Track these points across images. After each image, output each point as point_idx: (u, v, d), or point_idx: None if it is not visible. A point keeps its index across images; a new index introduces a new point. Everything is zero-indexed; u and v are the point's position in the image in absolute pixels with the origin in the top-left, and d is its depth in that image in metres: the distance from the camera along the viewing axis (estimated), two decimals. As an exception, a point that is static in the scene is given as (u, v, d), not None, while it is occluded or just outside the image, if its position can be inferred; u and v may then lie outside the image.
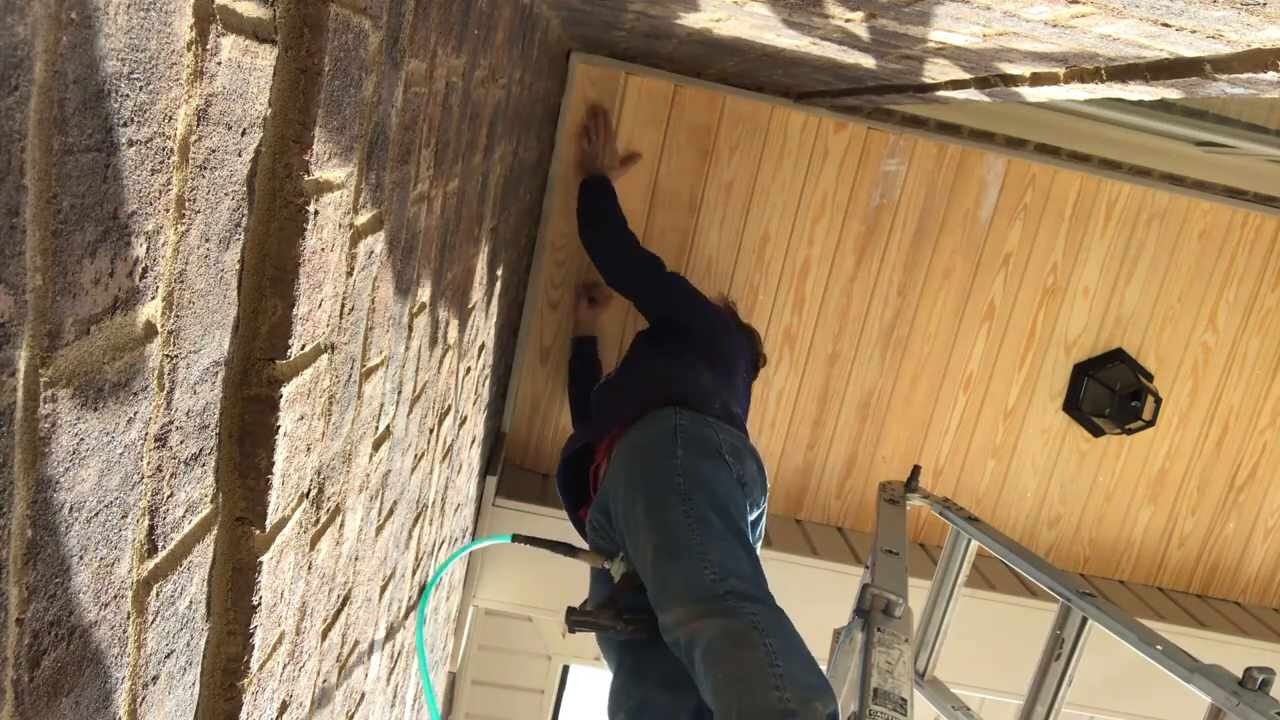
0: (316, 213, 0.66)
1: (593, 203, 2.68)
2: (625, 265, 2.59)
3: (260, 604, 0.69)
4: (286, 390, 0.66)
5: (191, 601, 0.59)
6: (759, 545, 1.87)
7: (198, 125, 0.49)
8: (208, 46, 0.48)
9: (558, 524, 2.79)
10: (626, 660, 1.74)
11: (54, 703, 0.44)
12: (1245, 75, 0.94)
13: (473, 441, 2.24)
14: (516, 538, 1.98)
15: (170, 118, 0.45)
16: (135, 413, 0.47)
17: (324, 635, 0.94)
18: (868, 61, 1.69)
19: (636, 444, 1.90)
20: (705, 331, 2.38)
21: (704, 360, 2.27)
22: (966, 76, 1.58)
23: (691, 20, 1.68)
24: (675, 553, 1.57)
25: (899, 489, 2.28)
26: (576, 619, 1.72)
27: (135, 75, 0.42)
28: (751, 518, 1.83)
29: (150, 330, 0.47)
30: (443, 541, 2.00)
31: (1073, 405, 3.17)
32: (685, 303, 2.47)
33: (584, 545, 2.04)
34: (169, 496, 0.53)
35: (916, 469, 2.31)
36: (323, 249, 0.69)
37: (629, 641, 1.72)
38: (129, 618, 0.50)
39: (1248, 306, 3.15)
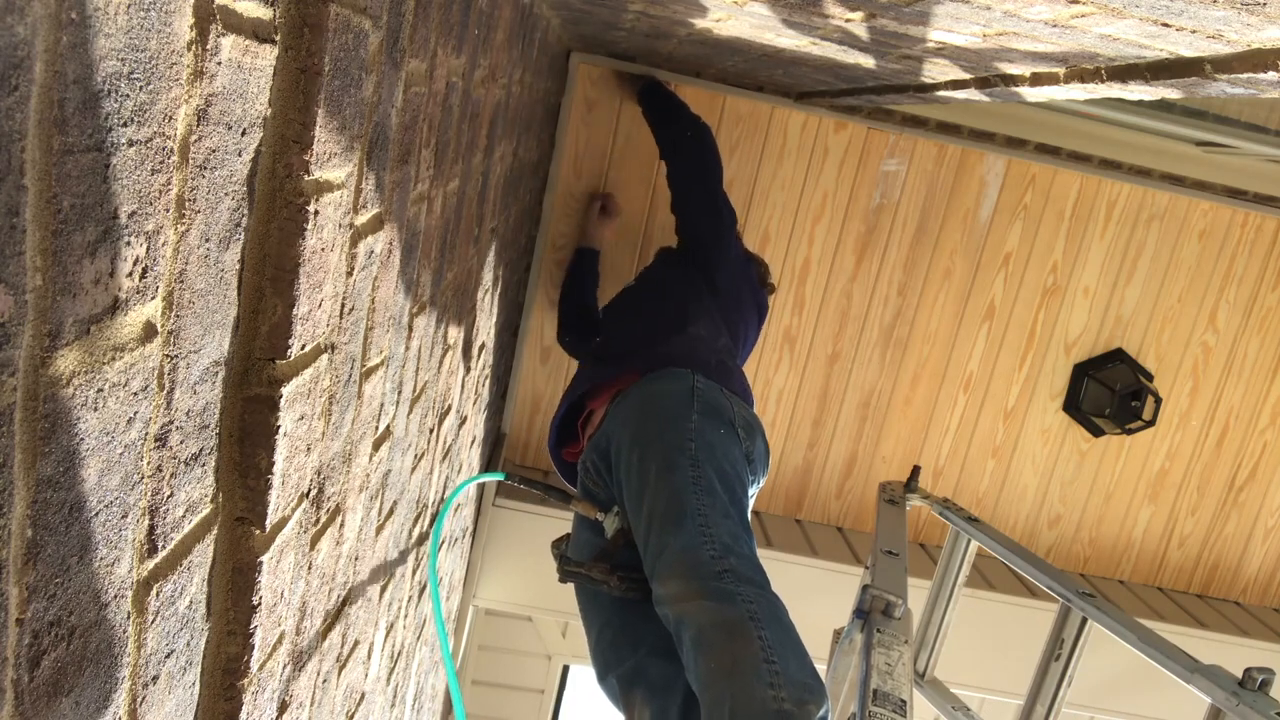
0: (316, 213, 0.66)
1: (664, 114, 2.63)
2: (711, 195, 2.48)
3: (260, 604, 0.69)
4: (286, 390, 0.66)
5: (191, 601, 0.59)
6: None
7: (198, 125, 0.49)
8: (208, 46, 0.48)
9: (560, 523, 2.80)
10: (615, 620, 1.70)
11: (54, 703, 0.44)
12: (1245, 75, 0.94)
13: (473, 441, 2.24)
14: (510, 477, 1.95)
15: (170, 118, 0.45)
16: (135, 413, 0.47)
17: (324, 635, 0.94)
18: (868, 61, 1.69)
19: (649, 396, 1.84)
20: (733, 296, 2.36)
21: (725, 322, 2.25)
22: (966, 76, 1.58)
23: (692, 20, 1.68)
24: (678, 520, 1.53)
25: (899, 489, 2.28)
26: (571, 569, 1.67)
27: (135, 75, 0.42)
28: (750, 492, 1.80)
29: (150, 330, 0.47)
30: (443, 541, 1.99)
31: (1073, 405, 3.17)
32: (734, 265, 2.43)
33: (575, 492, 2.01)
34: (169, 496, 0.53)
35: (916, 469, 2.31)
36: (323, 249, 0.69)
37: (620, 600, 1.69)
38: (129, 618, 0.50)
39: (1248, 306, 3.15)
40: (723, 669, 1.30)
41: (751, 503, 1.89)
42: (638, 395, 1.86)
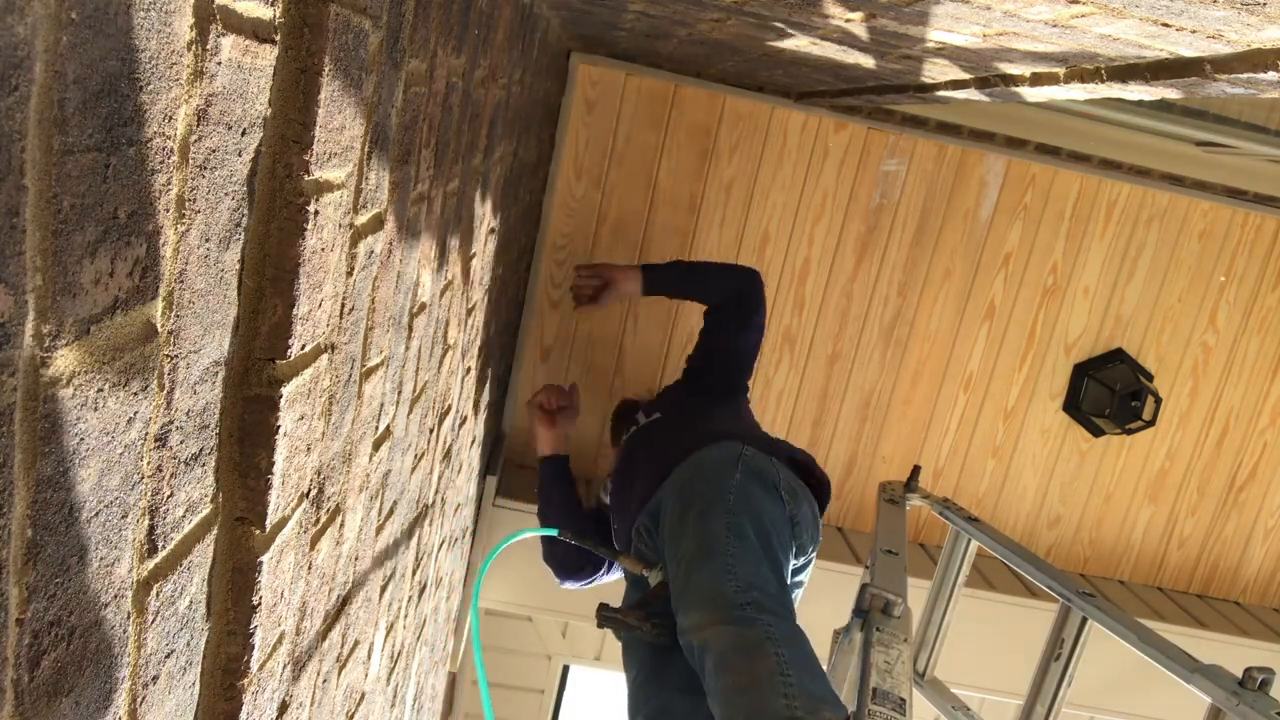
0: (316, 213, 0.66)
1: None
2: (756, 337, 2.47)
3: (260, 604, 0.69)
4: (286, 390, 0.66)
5: (191, 601, 0.59)
6: (798, 598, 1.87)
7: (198, 125, 0.49)
8: (208, 46, 0.48)
9: (558, 524, 2.79)
10: (648, 663, 1.74)
11: (54, 703, 0.44)
12: (1245, 75, 0.94)
13: (473, 441, 2.24)
14: (563, 533, 2.01)
15: (170, 118, 0.45)
16: (135, 413, 0.47)
17: (324, 635, 0.94)
18: (868, 61, 1.69)
19: (697, 462, 1.91)
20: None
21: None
22: (966, 76, 1.58)
23: (691, 20, 1.68)
24: (706, 559, 1.59)
25: (899, 489, 2.28)
26: (607, 615, 1.74)
27: (135, 75, 0.42)
28: (797, 563, 1.82)
29: (150, 330, 0.47)
30: (443, 541, 2.00)
31: (1073, 405, 3.17)
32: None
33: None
34: (169, 496, 0.53)
35: (916, 469, 2.31)
36: (323, 249, 0.69)
37: (653, 645, 1.73)
38: (129, 618, 0.50)
39: (1248, 306, 3.15)
40: (740, 686, 1.32)
41: (807, 574, 1.90)
42: (689, 464, 1.92)
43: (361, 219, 0.80)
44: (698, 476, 1.86)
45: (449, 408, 1.64)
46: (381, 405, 1.02)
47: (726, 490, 1.76)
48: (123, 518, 0.48)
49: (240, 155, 0.55)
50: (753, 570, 1.56)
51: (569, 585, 2.40)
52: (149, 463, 0.50)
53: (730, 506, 1.71)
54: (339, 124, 0.68)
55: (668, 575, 1.75)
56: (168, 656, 0.57)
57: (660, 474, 1.96)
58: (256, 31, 0.54)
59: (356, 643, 1.13)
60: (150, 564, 0.52)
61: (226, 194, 0.54)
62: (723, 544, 1.61)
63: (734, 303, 2.42)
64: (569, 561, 2.35)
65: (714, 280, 2.49)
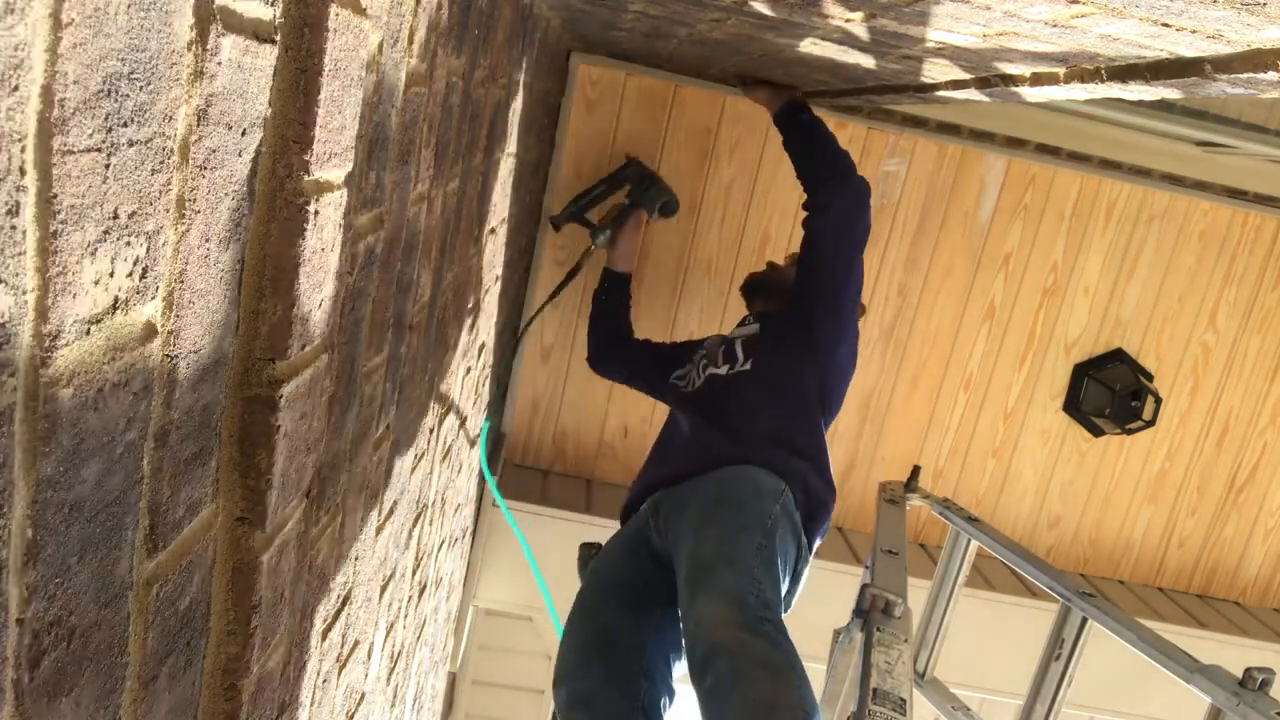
0: (316, 213, 0.66)
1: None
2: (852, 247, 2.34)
3: (260, 604, 0.69)
4: (286, 390, 0.66)
5: (191, 601, 0.59)
6: None
7: (198, 125, 0.49)
8: (208, 46, 0.48)
9: (559, 524, 2.79)
10: (596, 634, 1.76)
11: (54, 703, 0.44)
12: (1245, 75, 0.94)
13: (473, 442, 2.24)
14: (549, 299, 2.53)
15: (170, 118, 0.45)
16: (135, 413, 0.47)
17: (324, 635, 0.94)
18: (868, 61, 1.69)
19: (743, 475, 1.88)
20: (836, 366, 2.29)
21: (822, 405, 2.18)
22: (966, 76, 1.58)
23: (691, 20, 1.68)
24: (732, 565, 1.59)
25: (899, 489, 2.28)
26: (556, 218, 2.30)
27: (135, 75, 0.42)
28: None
29: (150, 330, 0.47)
30: (443, 541, 2.00)
31: (1073, 405, 3.17)
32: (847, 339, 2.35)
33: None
34: (169, 496, 0.53)
35: (916, 469, 2.31)
36: (323, 249, 0.69)
37: (608, 625, 1.74)
38: (129, 618, 0.50)
39: (1248, 306, 3.15)
40: (764, 704, 1.33)
41: None
42: (733, 472, 1.88)
43: (361, 219, 0.80)
44: (740, 485, 1.85)
45: (449, 408, 1.64)
46: (381, 405, 1.02)
47: (765, 514, 1.76)
48: (123, 518, 0.48)
49: (240, 155, 0.55)
50: (773, 595, 1.59)
51: (602, 366, 2.67)
52: (149, 463, 0.50)
53: (768, 531, 1.72)
54: (339, 124, 0.68)
55: (685, 548, 1.72)
56: (168, 656, 0.57)
57: (709, 458, 1.93)
58: (256, 31, 0.54)
59: (356, 643, 1.13)
60: (150, 564, 0.52)
61: (226, 194, 0.54)
62: (750, 560, 1.62)
63: (841, 189, 2.24)
64: (604, 332, 2.65)
65: (836, 155, 2.30)
